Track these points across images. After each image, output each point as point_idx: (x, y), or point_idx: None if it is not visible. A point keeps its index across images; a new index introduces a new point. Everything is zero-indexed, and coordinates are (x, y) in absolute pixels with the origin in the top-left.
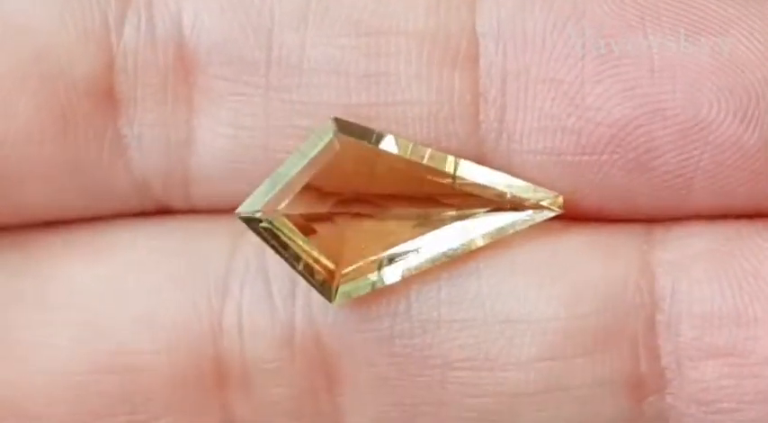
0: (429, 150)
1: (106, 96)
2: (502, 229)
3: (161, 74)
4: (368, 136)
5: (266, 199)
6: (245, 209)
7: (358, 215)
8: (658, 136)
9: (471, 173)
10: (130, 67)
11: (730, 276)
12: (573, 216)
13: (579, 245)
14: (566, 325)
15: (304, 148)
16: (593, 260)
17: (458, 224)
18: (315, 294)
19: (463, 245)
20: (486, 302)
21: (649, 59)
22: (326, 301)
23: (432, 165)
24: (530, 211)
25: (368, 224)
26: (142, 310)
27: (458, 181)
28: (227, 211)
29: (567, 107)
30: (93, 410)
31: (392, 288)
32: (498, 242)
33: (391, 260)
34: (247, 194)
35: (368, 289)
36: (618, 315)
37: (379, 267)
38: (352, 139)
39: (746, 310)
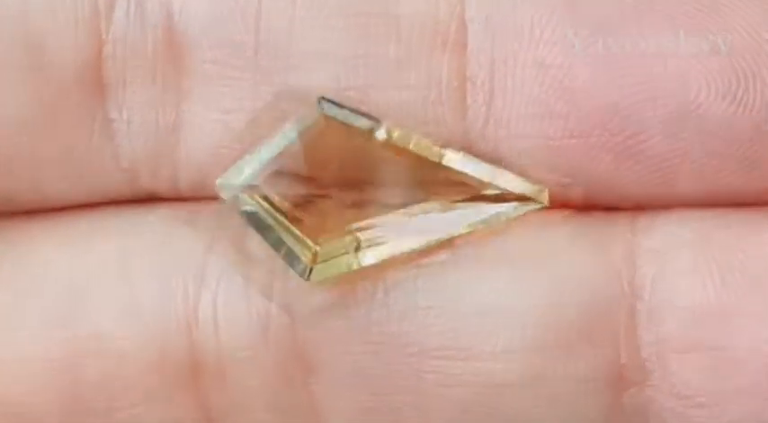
0: (415, 137)
1: (95, 82)
2: (485, 220)
3: (150, 58)
4: (354, 118)
5: (248, 178)
6: (224, 183)
7: (340, 199)
8: (647, 119)
9: (457, 163)
10: (119, 52)
11: (714, 268)
12: (558, 203)
13: (561, 233)
14: (545, 315)
15: (288, 128)
16: (575, 249)
17: (441, 214)
18: (292, 282)
19: (446, 234)
20: (464, 291)
21: (640, 45)
22: (303, 289)
23: (417, 152)
24: (514, 203)
25: (350, 208)
26: (119, 297)
27: (443, 170)
28: (213, 197)
29: (555, 91)
30: (71, 397)
31: (369, 274)
32: (479, 230)
33: (370, 244)
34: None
35: (344, 269)
36: (599, 305)
37: (357, 249)
38: (337, 121)
39: (730, 302)
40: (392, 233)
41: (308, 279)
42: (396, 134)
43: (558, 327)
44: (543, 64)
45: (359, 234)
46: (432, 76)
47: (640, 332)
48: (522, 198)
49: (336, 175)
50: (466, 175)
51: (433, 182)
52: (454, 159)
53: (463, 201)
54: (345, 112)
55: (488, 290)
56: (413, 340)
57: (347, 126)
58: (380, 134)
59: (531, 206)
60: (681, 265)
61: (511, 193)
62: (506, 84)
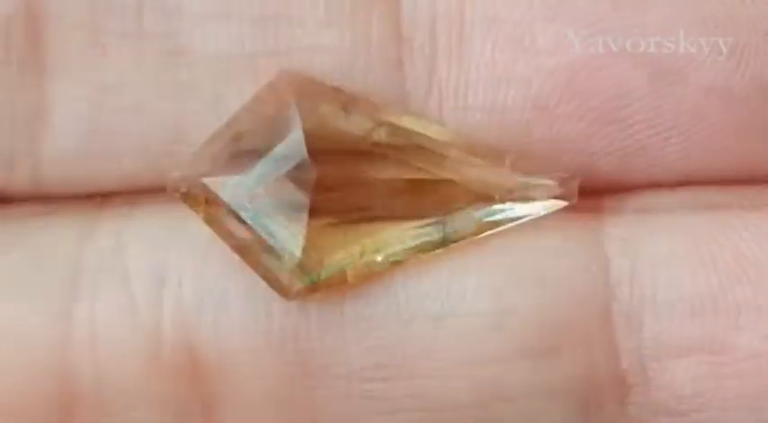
0: (416, 137)
1: None
2: (485, 224)
3: (2, 29)
4: (352, 119)
5: (249, 185)
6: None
7: (343, 206)
8: (626, 79)
9: (460, 163)
10: None
11: (704, 254)
12: None
13: (537, 228)
14: (500, 321)
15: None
16: (532, 240)
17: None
18: (186, 292)
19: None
20: (400, 295)
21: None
22: (201, 302)
23: (419, 153)
24: (518, 205)
25: (352, 214)
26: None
27: (445, 170)
28: (80, 195)
29: (512, 52)
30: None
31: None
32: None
33: (371, 251)
34: (115, 172)
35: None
36: (566, 307)
37: (362, 256)
38: (334, 125)
39: (726, 295)
40: (394, 240)
41: (306, 287)
42: (396, 135)
43: (515, 334)
44: (496, 18)
45: (361, 241)
46: (359, 37)
47: (618, 338)
48: (528, 199)
49: (339, 182)
50: (468, 174)
51: (434, 183)
52: (458, 159)
53: (466, 203)
54: (341, 112)
55: (429, 291)
56: (339, 359)
57: (343, 128)
58: (378, 134)
59: (540, 208)
60: (661, 254)
61: (516, 194)
62: (451, 44)
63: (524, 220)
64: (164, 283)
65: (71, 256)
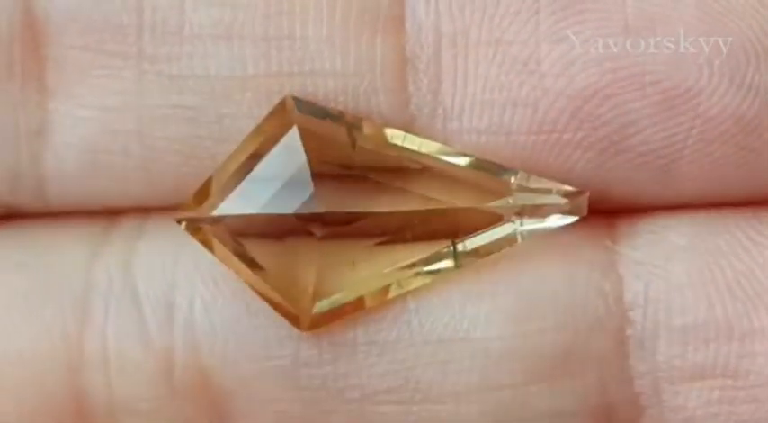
0: (420, 153)
1: None
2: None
3: (4, 48)
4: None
5: (249, 205)
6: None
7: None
8: (635, 108)
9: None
10: None
11: (718, 279)
12: None
13: (529, 244)
14: (514, 344)
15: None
16: (545, 262)
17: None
18: (197, 316)
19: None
20: (413, 319)
21: (622, 13)
22: (212, 325)
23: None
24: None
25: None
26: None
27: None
28: (86, 212)
29: (517, 75)
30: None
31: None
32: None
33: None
34: (120, 192)
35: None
36: (579, 330)
37: (375, 282)
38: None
39: (741, 320)
40: (406, 265)
41: (321, 317)
42: (402, 158)
43: (529, 357)
44: (502, 40)
45: (373, 268)
46: (363, 58)
47: (632, 361)
48: (537, 216)
49: (347, 214)
50: (476, 195)
51: (442, 207)
52: (465, 179)
53: (476, 225)
54: (347, 137)
55: (442, 315)
56: (352, 382)
57: (349, 154)
58: (384, 158)
59: (550, 224)
60: (676, 278)
61: (525, 212)
62: (456, 65)
63: (535, 236)
64: (174, 305)
65: (81, 277)
